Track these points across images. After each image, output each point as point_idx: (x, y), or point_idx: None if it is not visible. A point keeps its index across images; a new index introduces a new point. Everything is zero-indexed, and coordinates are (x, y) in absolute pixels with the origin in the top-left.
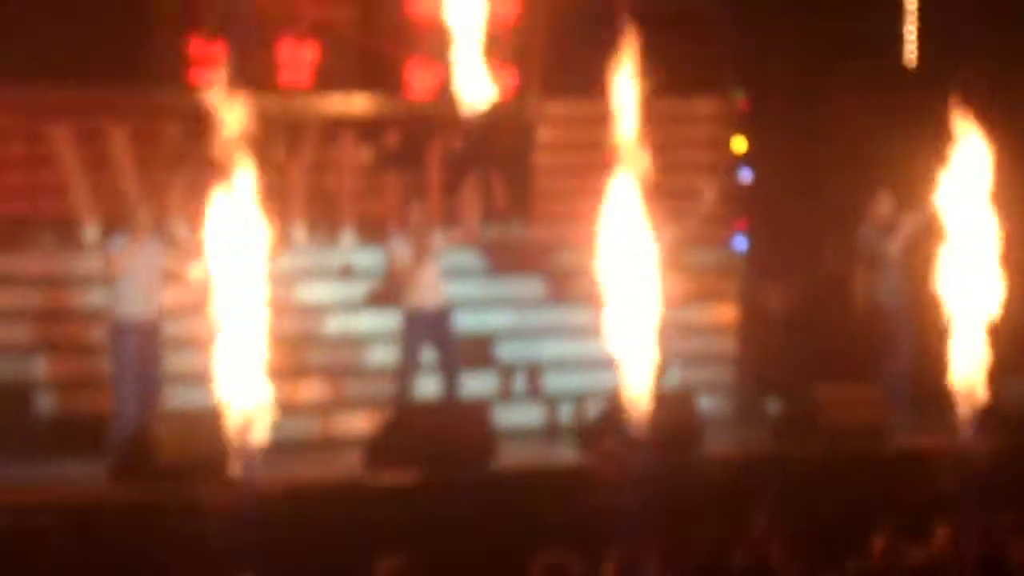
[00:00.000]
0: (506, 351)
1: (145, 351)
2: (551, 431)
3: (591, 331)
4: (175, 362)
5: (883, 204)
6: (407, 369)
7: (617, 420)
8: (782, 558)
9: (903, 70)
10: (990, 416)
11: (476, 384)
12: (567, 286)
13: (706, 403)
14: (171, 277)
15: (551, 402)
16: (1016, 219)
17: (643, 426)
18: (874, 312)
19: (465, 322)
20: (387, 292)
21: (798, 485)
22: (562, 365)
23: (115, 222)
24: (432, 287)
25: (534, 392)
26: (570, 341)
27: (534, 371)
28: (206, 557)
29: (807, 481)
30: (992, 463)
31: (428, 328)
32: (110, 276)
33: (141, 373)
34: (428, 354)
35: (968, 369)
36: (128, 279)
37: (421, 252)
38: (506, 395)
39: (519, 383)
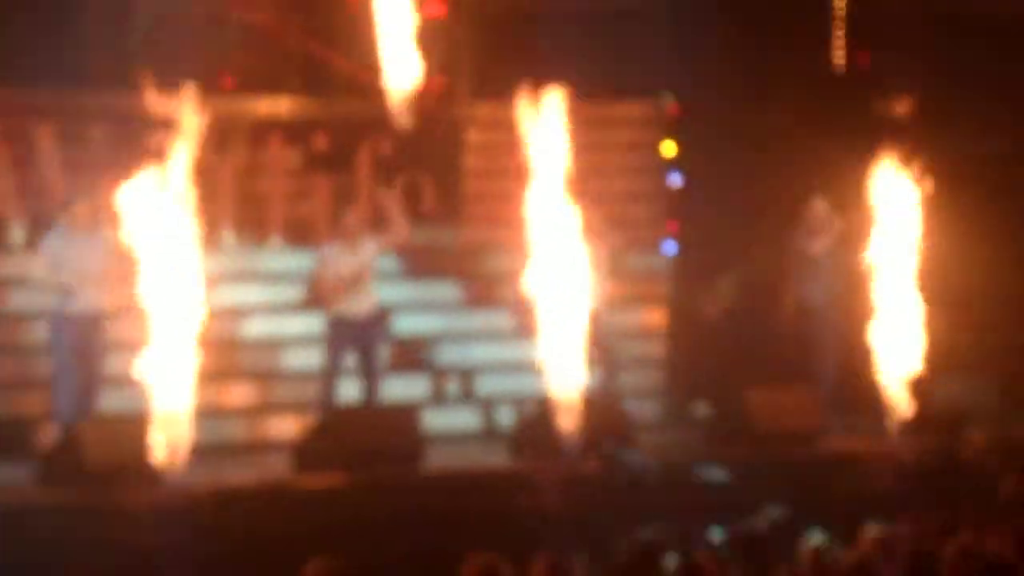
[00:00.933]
0: (437, 355)
1: (86, 345)
2: (486, 435)
3: (518, 335)
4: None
5: (816, 207)
6: (331, 373)
7: (549, 423)
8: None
9: (832, 73)
10: (920, 417)
11: (408, 388)
12: (492, 290)
13: (636, 407)
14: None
15: (484, 406)
16: (945, 220)
17: (574, 429)
18: (802, 314)
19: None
20: (315, 297)
21: (727, 488)
22: (493, 369)
23: (42, 221)
24: (362, 293)
25: (467, 396)
26: (499, 345)
27: (466, 375)
28: (133, 560)
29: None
30: (922, 464)
31: (355, 333)
32: (46, 270)
33: (80, 367)
34: (351, 358)
35: (898, 371)
36: (69, 273)
37: (352, 257)
38: (439, 399)
39: (451, 387)
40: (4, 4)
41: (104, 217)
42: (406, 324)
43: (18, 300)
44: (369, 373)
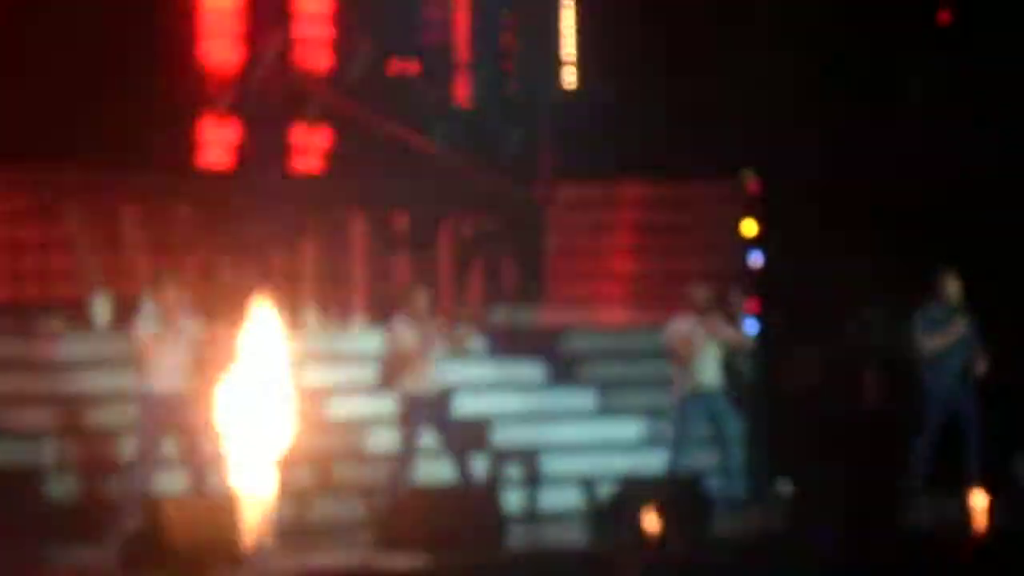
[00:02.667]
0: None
1: (168, 426)
2: (558, 516)
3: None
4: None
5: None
6: (408, 453)
7: (634, 504)
8: None
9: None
10: None
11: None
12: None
13: (717, 485)
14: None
15: (577, 484)
16: None
17: (656, 511)
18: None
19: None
20: (387, 375)
21: None
22: (574, 449)
23: (128, 303)
24: (432, 373)
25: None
26: (580, 425)
27: (544, 454)
28: None
29: None
30: None
31: (429, 412)
32: (140, 357)
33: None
34: (427, 438)
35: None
36: (159, 356)
37: (425, 337)
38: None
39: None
40: (91, 86)
41: (188, 302)
42: (488, 402)
43: (98, 382)
44: (454, 448)
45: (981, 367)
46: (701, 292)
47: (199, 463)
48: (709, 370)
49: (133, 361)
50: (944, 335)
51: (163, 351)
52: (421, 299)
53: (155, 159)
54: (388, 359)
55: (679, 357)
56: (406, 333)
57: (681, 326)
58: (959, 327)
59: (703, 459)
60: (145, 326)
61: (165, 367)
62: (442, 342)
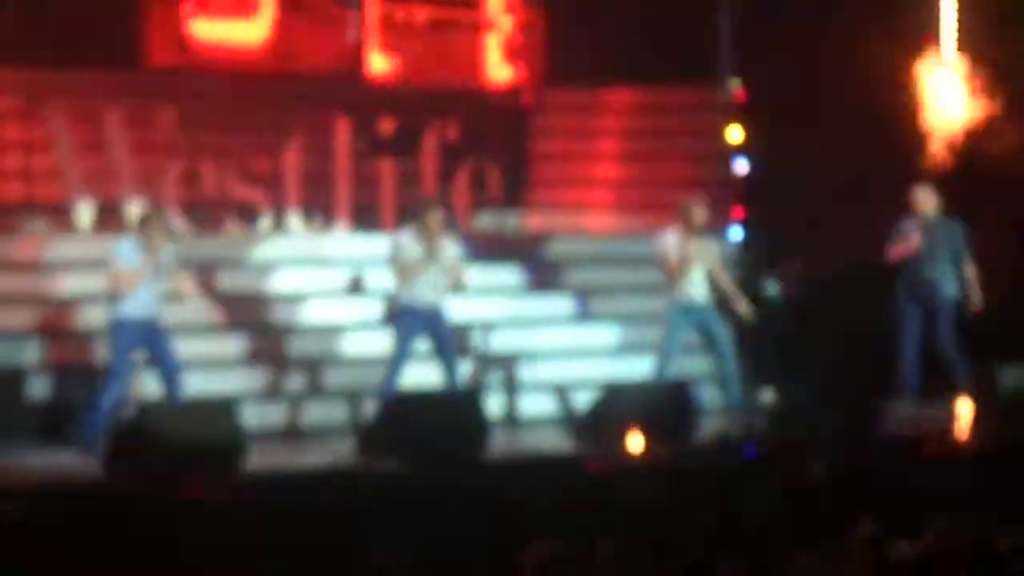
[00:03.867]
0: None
1: (149, 344)
2: (551, 421)
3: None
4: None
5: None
6: (398, 359)
7: (617, 411)
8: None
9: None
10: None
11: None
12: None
13: (703, 392)
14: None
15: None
16: None
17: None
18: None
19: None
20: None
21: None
22: (555, 355)
23: (111, 205)
24: (436, 287)
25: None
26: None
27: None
28: (200, 546)
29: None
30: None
31: (424, 322)
32: (117, 289)
33: (153, 362)
34: (421, 344)
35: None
36: (139, 288)
37: (430, 254)
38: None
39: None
40: None
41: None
42: (470, 308)
43: (77, 283)
44: (447, 356)
45: (971, 272)
46: (694, 209)
47: (169, 372)
48: (698, 283)
49: (109, 291)
50: (901, 245)
51: (143, 283)
52: (434, 218)
53: (141, 59)
54: (391, 267)
55: (668, 271)
56: (411, 247)
57: (670, 239)
58: (917, 237)
59: (692, 367)
60: (128, 261)
61: (142, 297)
62: (442, 269)
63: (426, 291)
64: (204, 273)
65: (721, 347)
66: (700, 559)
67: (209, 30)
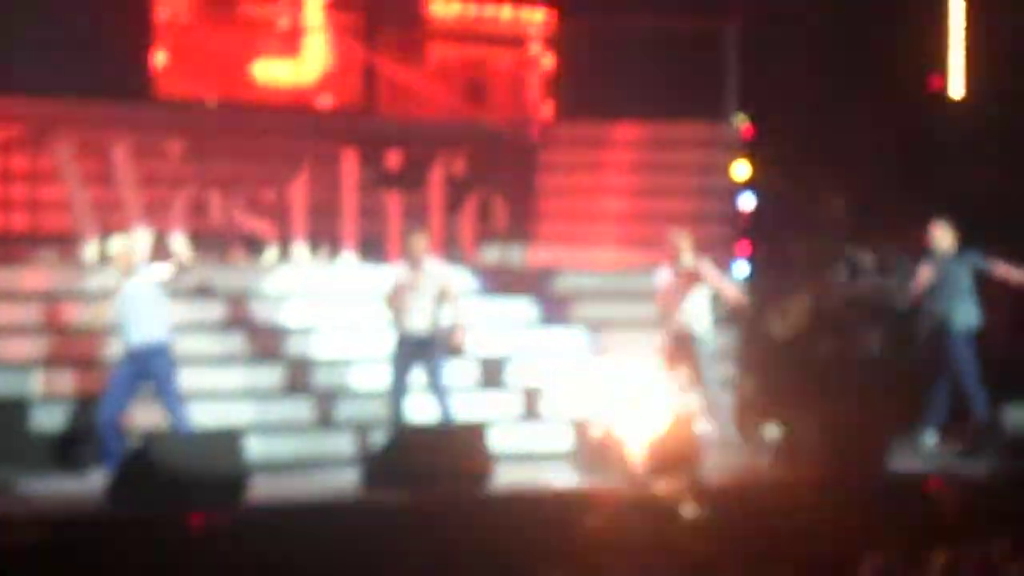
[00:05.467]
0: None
1: (155, 371)
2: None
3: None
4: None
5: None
6: (397, 391)
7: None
8: None
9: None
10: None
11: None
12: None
13: (707, 427)
14: None
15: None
16: None
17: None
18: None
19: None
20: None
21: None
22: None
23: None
24: (424, 312)
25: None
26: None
27: (534, 393)
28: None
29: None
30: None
31: (419, 351)
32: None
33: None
34: (417, 377)
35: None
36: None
37: (418, 279)
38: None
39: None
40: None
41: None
42: (478, 341)
43: (84, 314)
44: (438, 389)
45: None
46: (679, 239)
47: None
48: (688, 317)
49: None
50: (915, 283)
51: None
52: (418, 244)
53: (149, 91)
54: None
55: (661, 306)
56: (400, 274)
57: (662, 276)
58: (927, 273)
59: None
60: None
61: (144, 321)
62: (434, 290)
63: (415, 319)
64: (209, 302)
65: (707, 380)
66: None
67: (263, 70)
